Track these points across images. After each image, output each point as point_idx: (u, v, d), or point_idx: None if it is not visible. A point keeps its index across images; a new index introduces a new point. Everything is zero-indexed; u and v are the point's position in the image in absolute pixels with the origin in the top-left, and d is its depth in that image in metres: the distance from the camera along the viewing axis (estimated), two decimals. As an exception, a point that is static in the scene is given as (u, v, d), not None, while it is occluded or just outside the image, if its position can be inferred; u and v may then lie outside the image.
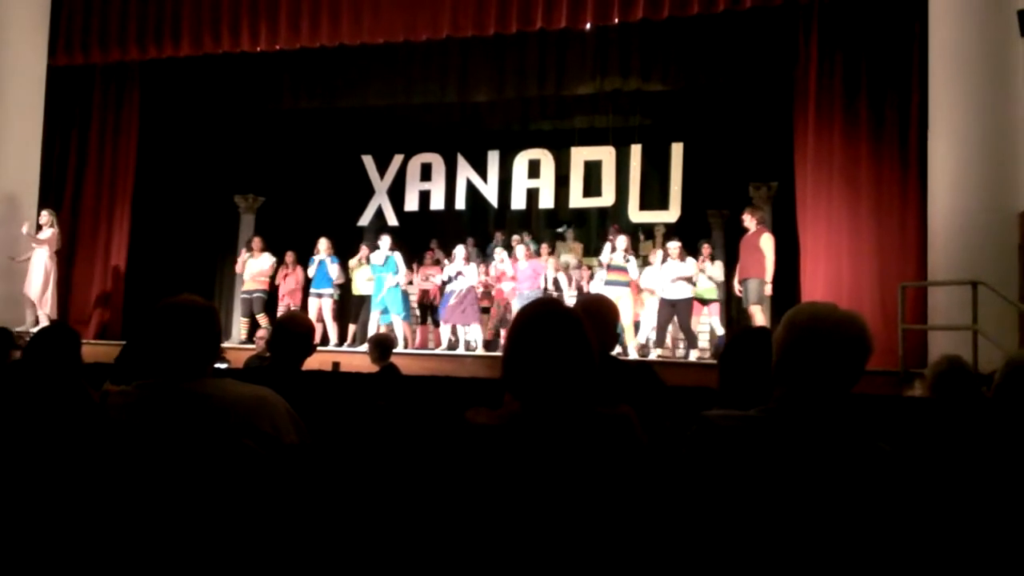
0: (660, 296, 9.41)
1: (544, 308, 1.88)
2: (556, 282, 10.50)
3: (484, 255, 11.57)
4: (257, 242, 10.82)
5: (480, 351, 9.91)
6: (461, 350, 9.98)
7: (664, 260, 9.52)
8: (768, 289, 8.73)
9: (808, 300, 1.78)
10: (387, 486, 2.01)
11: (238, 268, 10.95)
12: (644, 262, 10.50)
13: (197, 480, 1.90)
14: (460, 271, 10.16)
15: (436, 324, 11.00)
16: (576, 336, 1.79)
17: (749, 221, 8.91)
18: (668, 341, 9.88)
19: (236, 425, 2.05)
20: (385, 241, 10.31)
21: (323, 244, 10.50)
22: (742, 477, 1.61)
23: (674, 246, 9.38)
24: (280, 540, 1.93)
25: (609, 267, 9.67)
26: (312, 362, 3.54)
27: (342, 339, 10.70)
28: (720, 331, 9.61)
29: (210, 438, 1.98)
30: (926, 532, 1.61)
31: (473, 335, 10.08)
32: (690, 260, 9.36)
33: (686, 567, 1.61)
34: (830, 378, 1.68)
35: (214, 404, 2.08)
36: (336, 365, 7.59)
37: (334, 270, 10.48)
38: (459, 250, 10.44)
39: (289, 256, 10.86)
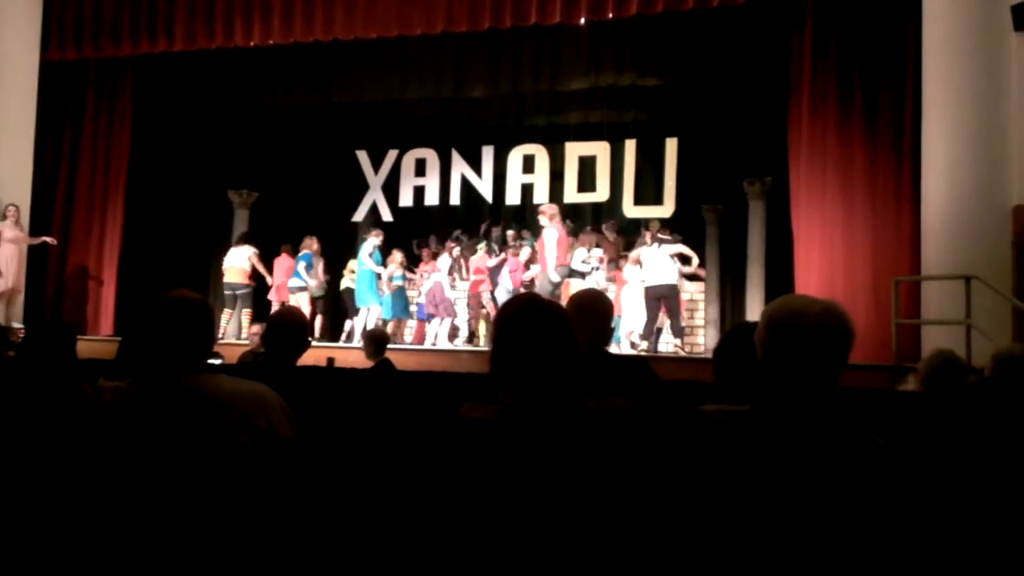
0: (645, 286, 9.40)
1: (525, 303, 1.90)
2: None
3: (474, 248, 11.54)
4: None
5: (445, 343, 10.00)
6: (459, 343, 10.01)
7: (658, 244, 9.55)
8: (556, 276, 9.11)
9: (787, 295, 1.82)
10: (381, 481, 2.01)
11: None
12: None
13: (191, 476, 1.89)
14: (438, 265, 10.32)
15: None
16: (558, 329, 1.80)
17: (543, 220, 9.30)
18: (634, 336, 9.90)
19: (230, 421, 2.04)
20: (376, 238, 10.38)
21: (314, 243, 10.55)
22: (737, 471, 1.61)
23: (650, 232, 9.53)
24: (274, 536, 1.92)
25: (572, 271, 9.72)
26: (307, 358, 3.52)
27: (335, 335, 10.68)
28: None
29: (204, 434, 1.97)
30: (920, 525, 1.61)
31: (443, 328, 10.20)
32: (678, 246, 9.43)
33: (681, 561, 1.61)
34: (815, 371, 1.67)
35: (208, 400, 2.08)
36: (331, 361, 7.56)
37: (316, 271, 10.56)
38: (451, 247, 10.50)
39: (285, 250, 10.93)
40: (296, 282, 10.62)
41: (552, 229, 9.27)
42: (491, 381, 1.81)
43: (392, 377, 5.71)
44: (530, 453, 1.67)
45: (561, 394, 1.75)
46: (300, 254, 10.72)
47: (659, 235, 9.66)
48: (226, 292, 10.83)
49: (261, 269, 10.84)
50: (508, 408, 1.75)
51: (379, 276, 10.50)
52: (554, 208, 9.58)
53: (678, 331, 9.44)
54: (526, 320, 1.81)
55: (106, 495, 1.88)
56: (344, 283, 11.02)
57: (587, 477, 1.66)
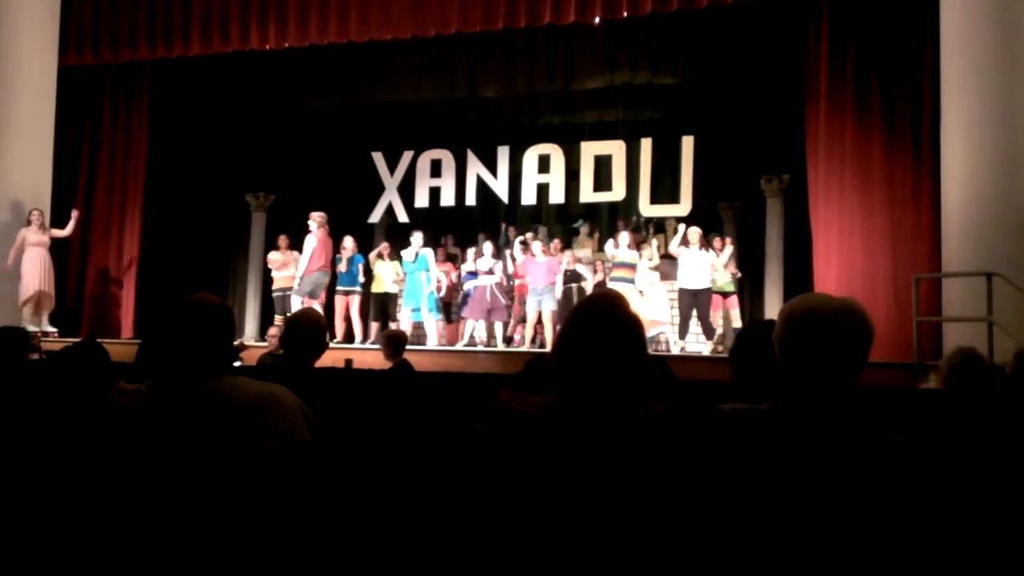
0: (680, 286, 9.39)
1: (603, 305, 1.85)
2: (576, 275, 10.32)
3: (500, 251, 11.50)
4: (283, 240, 10.84)
5: (501, 347, 9.91)
6: (480, 346, 9.96)
7: (686, 247, 9.50)
8: (304, 283, 9.73)
9: (805, 293, 1.83)
10: (404, 482, 1.96)
11: (274, 268, 10.87)
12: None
13: (211, 479, 1.88)
14: (491, 267, 10.13)
15: (449, 320, 10.98)
16: (631, 339, 1.77)
17: (312, 225, 9.89)
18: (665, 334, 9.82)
19: (250, 423, 2.05)
20: (417, 238, 10.26)
21: (349, 242, 10.44)
22: (758, 470, 1.59)
23: (694, 232, 9.36)
24: (295, 539, 1.87)
25: (616, 264, 9.64)
26: (325, 359, 3.54)
27: (366, 336, 10.61)
28: (739, 324, 9.57)
29: (224, 436, 1.97)
30: (942, 525, 1.58)
31: (496, 332, 10.09)
32: (711, 250, 9.37)
33: (703, 561, 1.58)
34: (834, 370, 1.65)
35: (228, 402, 2.09)
36: (349, 362, 7.57)
37: (359, 269, 10.48)
38: (487, 246, 10.40)
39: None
40: (354, 286, 10.49)
41: (313, 236, 9.80)
42: (549, 373, 1.78)
43: (410, 378, 5.71)
44: (578, 455, 1.64)
45: (621, 400, 1.72)
46: (351, 256, 10.47)
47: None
48: (281, 295, 10.64)
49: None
50: (554, 407, 1.71)
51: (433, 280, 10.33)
52: (323, 216, 10.05)
53: (710, 332, 9.41)
54: (601, 323, 1.78)
55: (124, 498, 1.86)
56: (383, 287, 10.86)
57: (639, 485, 1.61)
